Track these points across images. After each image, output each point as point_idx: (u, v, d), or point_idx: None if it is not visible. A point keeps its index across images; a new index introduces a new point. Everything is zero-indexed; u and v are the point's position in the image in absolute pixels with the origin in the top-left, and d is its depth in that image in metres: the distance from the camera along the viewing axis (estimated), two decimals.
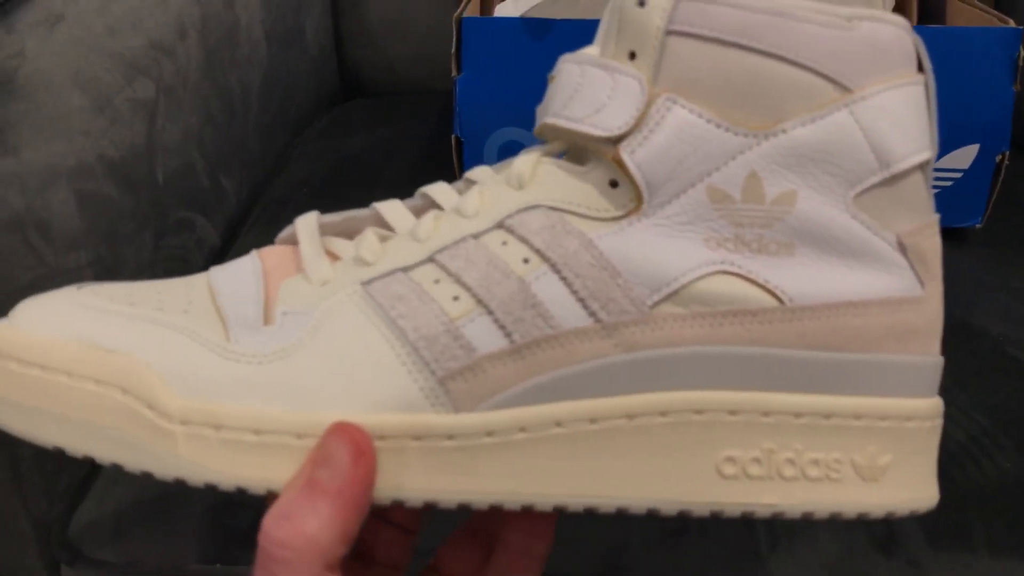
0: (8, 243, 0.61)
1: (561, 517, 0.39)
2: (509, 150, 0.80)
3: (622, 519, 0.38)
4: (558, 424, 0.36)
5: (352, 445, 0.34)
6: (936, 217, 0.38)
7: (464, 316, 0.36)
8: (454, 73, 0.79)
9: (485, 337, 0.36)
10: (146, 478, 0.36)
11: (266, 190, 0.98)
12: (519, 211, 0.37)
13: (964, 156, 0.78)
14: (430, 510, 0.37)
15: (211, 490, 0.36)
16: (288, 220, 0.42)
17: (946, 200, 0.78)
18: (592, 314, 0.36)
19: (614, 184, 0.37)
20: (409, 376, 0.36)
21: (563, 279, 0.36)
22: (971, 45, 0.74)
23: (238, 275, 0.39)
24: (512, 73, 0.78)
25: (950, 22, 0.86)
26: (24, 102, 0.63)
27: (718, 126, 0.36)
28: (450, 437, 0.36)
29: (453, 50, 0.78)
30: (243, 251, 0.40)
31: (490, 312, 0.36)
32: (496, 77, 0.78)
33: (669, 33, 0.36)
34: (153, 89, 0.78)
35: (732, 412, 0.37)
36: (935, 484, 0.39)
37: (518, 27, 0.77)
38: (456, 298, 0.36)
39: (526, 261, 0.36)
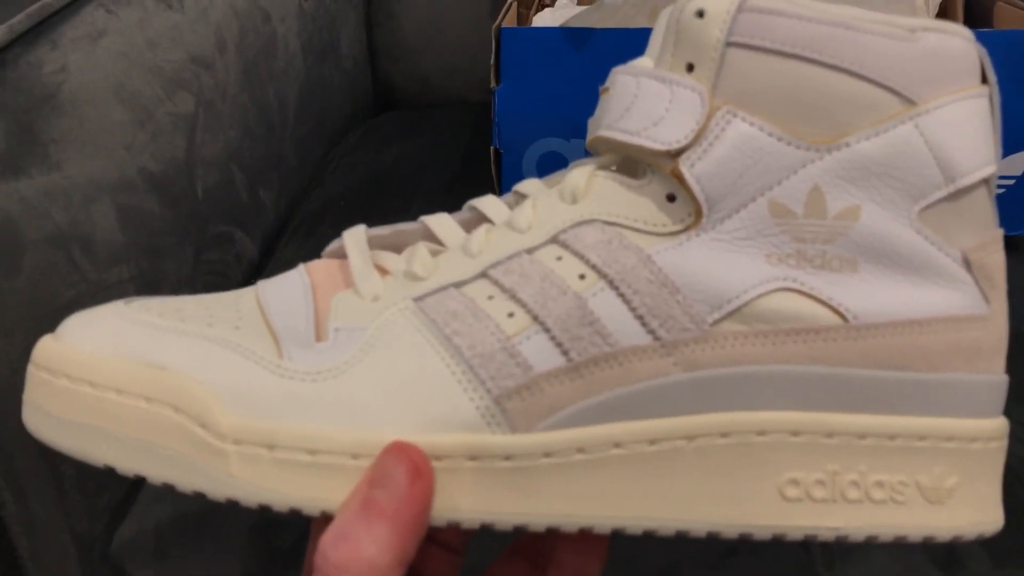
0: (52, 259, 0.61)
1: (614, 536, 0.38)
2: (548, 161, 0.80)
3: (675, 539, 0.37)
4: (617, 445, 0.36)
5: (410, 465, 0.34)
6: (1000, 232, 0.37)
7: (520, 333, 0.36)
8: (493, 84, 0.79)
9: (542, 355, 0.35)
10: (198, 498, 0.35)
11: (303, 203, 0.98)
12: (574, 225, 0.37)
13: (1016, 163, 0.77)
14: (486, 531, 0.36)
15: (264, 511, 0.35)
16: (325, 233, 0.41)
17: (999, 208, 0.76)
18: (651, 332, 0.35)
19: (671, 198, 0.36)
20: (465, 395, 0.35)
21: (621, 295, 0.35)
22: (1019, 48, 0.73)
23: (287, 290, 0.39)
24: (552, 83, 0.78)
25: (997, 25, 0.86)
26: (67, 117, 0.64)
27: (779, 139, 0.35)
28: (507, 458, 0.35)
29: (492, 61, 0.78)
30: (281, 265, 0.40)
31: (547, 329, 0.35)
32: (535, 87, 0.78)
33: (729, 45, 0.35)
34: (193, 103, 0.78)
35: (795, 433, 0.36)
36: (1000, 507, 0.38)
37: (557, 37, 0.77)
38: (511, 315, 0.36)
39: (582, 277, 0.36)
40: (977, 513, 0.37)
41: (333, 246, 0.41)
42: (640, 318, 0.35)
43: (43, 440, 0.36)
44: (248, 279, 0.86)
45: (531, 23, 0.93)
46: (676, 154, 0.36)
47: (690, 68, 0.36)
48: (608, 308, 0.35)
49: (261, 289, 0.40)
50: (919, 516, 0.36)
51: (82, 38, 0.66)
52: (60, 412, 0.36)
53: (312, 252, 0.41)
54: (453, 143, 1.04)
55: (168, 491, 0.35)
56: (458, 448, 0.35)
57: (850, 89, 0.35)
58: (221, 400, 0.35)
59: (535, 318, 0.36)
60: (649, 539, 0.37)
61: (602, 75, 0.41)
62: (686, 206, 0.36)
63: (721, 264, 0.36)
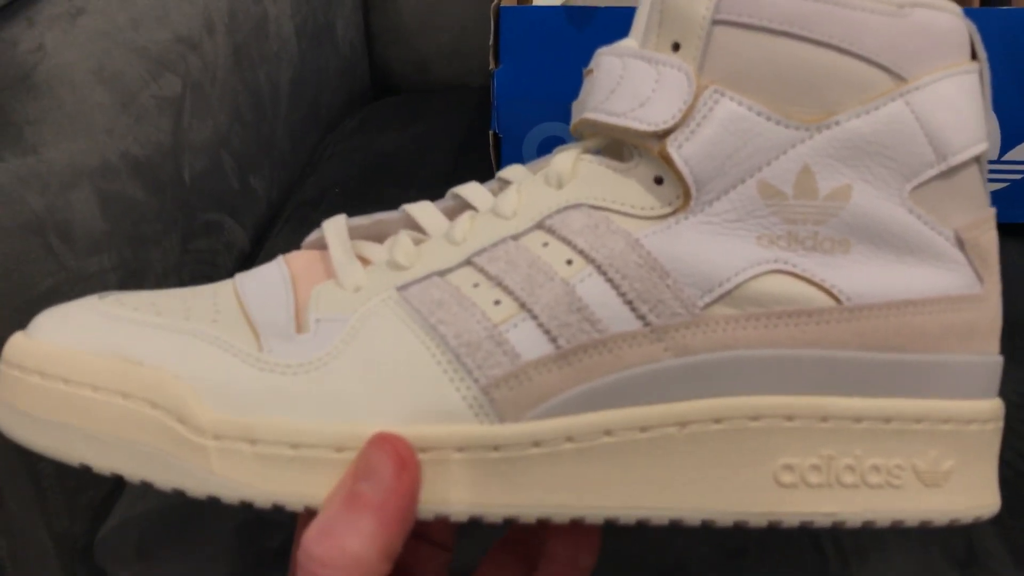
0: (27, 247, 0.61)
1: (615, 536, 0.39)
2: (550, 146, 0.79)
3: (679, 537, 0.38)
4: (607, 433, 0.36)
5: (395, 456, 0.35)
6: (992, 211, 0.38)
7: (507, 321, 0.36)
8: (492, 66, 0.79)
9: (530, 343, 0.36)
10: (177, 496, 0.36)
11: (297, 190, 0.98)
12: (560, 210, 0.38)
13: None
14: (476, 525, 0.37)
15: (246, 507, 0.36)
16: (319, 221, 0.41)
17: (1014, 194, 0.77)
18: (641, 317, 0.36)
19: (659, 180, 0.37)
20: (451, 385, 0.36)
21: (609, 280, 0.36)
22: None
23: (266, 281, 0.40)
24: (553, 65, 0.77)
25: (1016, 3, 0.86)
26: (45, 99, 0.64)
27: (768, 119, 0.36)
28: (495, 448, 0.36)
29: (491, 41, 0.78)
30: (273, 253, 0.40)
31: (534, 316, 0.36)
32: (536, 69, 0.78)
33: (716, 23, 0.36)
34: (179, 85, 0.78)
35: (789, 418, 0.37)
36: (997, 489, 0.39)
37: (559, 16, 0.77)
38: (498, 302, 0.37)
39: (569, 263, 0.37)
40: (974, 496, 0.38)
41: (313, 237, 0.42)
42: (629, 303, 0.36)
43: (16, 439, 0.37)
44: (238, 267, 0.85)
45: (532, 2, 0.93)
46: (663, 135, 0.36)
47: (676, 47, 0.37)
48: (596, 294, 0.36)
49: (239, 281, 0.40)
50: (916, 500, 0.37)
51: (60, 16, 0.66)
52: (33, 410, 0.36)
53: (301, 243, 0.42)
54: (453, 129, 1.04)
55: (147, 489, 0.36)
56: (445, 439, 0.36)
57: (839, 66, 0.36)
58: (200, 395, 0.36)
59: (522, 305, 0.36)
60: (651, 538, 0.38)
61: None
62: (674, 188, 0.37)
63: (711, 247, 0.37)
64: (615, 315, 0.36)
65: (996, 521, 0.40)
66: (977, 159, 0.37)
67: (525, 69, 0.79)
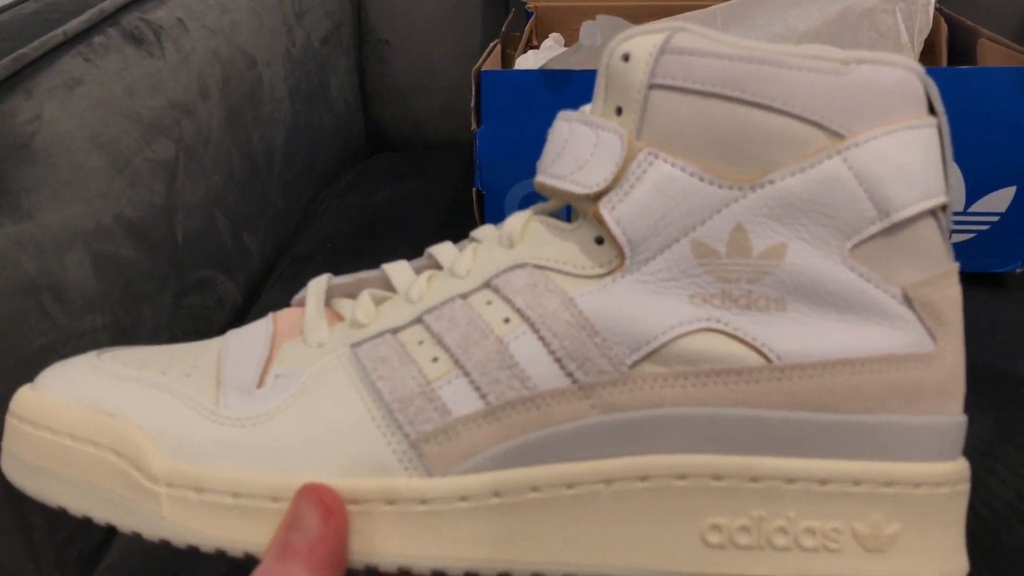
0: (21, 308, 0.61)
1: None
2: (531, 202, 0.79)
3: None
4: (534, 489, 0.36)
5: (320, 506, 0.35)
6: (954, 266, 0.36)
7: (442, 377, 0.36)
8: (474, 126, 0.79)
9: (461, 399, 0.36)
10: (136, 538, 0.37)
11: (290, 246, 0.98)
12: (507, 270, 0.37)
13: (1000, 199, 0.76)
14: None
15: (194, 551, 0.36)
16: (311, 276, 0.43)
17: (983, 245, 0.77)
18: (569, 374, 0.35)
19: (600, 241, 0.36)
20: (383, 439, 0.36)
21: (541, 339, 0.36)
22: (1003, 85, 0.72)
23: (249, 337, 0.40)
24: (532, 125, 0.76)
25: (980, 62, 0.85)
26: (41, 166, 0.64)
27: (701, 179, 0.35)
28: (423, 501, 0.35)
29: (472, 103, 0.78)
30: (266, 308, 0.40)
31: (467, 373, 0.36)
32: (516, 129, 0.78)
33: (652, 87, 0.35)
34: (173, 149, 0.78)
35: (716, 477, 0.35)
36: (962, 554, 0.36)
37: (536, 79, 0.77)
38: (435, 359, 0.36)
39: (507, 321, 0.36)
40: (926, 562, 0.36)
41: (300, 295, 0.42)
42: (559, 361, 0.35)
43: (14, 483, 0.38)
44: (231, 322, 0.86)
45: (515, 65, 0.93)
46: (597, 197, 0.36)
47: (619, 111, 0.36)
48: (528, 352, 0.36)
49: (227, 337, 0.41)
50: (856, 565, 0.35)
51: (58, 87, 0.67)
52: (26, 457, 0.38)
53: (291, 300, 0.42)
54: (444, 185, 1.04)
55: (132, 537, 0.37)
56: (375, 492, 0.35)
57: (773, 125, 0.34)
58: (157, 444, 0.36)
59: (456, 362, 0.36)
60: None
61: None
62: (612, 249, 0.36)
63: (643, 305, 0.35)
64: (545, 372, 0.36)
65: None
66: (933, 213, 0.35)
67: (505, 129, 0.79)
